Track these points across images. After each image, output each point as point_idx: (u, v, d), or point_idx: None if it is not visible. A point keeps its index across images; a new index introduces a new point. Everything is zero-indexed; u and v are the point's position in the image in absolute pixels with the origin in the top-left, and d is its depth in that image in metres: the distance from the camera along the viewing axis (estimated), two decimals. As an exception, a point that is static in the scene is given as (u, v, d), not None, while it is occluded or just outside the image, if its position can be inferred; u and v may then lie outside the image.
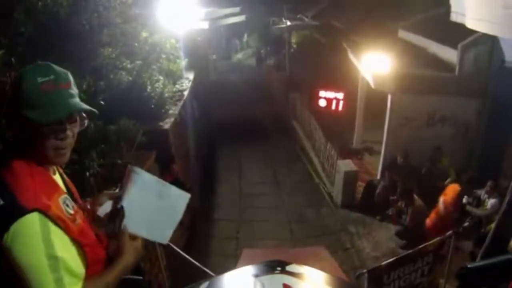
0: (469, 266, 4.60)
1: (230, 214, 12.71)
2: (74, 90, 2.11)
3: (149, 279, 6.69)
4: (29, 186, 1.94)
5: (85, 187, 5.25)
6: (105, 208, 2.46)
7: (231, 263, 7.41)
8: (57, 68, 2.07)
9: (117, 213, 2.35)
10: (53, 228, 1.92)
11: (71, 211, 2.09)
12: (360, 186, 12.55)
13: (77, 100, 2.09)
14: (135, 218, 2.38)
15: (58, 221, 1.95)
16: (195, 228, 11.16)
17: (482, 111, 11.45)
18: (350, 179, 12.29)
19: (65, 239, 1.99)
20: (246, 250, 7.28)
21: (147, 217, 2.45)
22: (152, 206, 2.48)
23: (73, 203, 2.15)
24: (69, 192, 2.30)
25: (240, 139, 18.31)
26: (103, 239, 2.35)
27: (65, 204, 2.07)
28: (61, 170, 2.38)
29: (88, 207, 2.50)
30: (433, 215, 9.74)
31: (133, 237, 2.33)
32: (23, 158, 2.01)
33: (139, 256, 2.33)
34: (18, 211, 1.84)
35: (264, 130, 19.44)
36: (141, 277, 3.11)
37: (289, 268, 2.35)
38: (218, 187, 14.71)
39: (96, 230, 2.31)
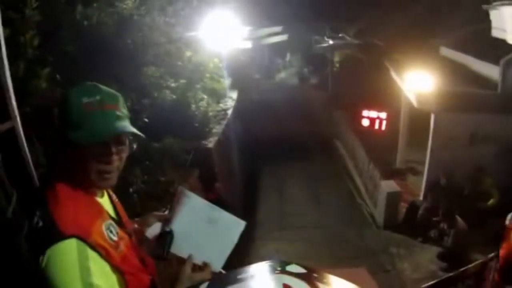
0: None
1: (270, 233, 12.66)
2: (123, 112, 2.04)
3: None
4: (69, 211, 1.88)
5: (128, 203, 5.33)
6: (154, 229, 2.43)
7: None
8: (104, 88, 2.03)
9: (166, 236, 2.34)
10: (91, 255, 1.84)
11: (115, 238, 2.03)
12: (403, 207, 12.39)
13: (125, 122, 2.02)
14: (184, 242, 2.36)
15: (99, 248, 1.88)
16: (235, 247, 11.16)
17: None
18: (393, 200, 12.18)
19: (105, 266, 1.91)
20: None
21: (196, 242, 2.41)
22: (203, 231, 2.45)
23: (117, 229, 2.09)
24: (118, 216, 2.27)
25: (283, 158, 18.22)
26: (148, 264, 2.32)
27: (108, 230, 2.00)
28: (111, 193, 2.35)
29: (136, 226, 2.48)
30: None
31: (195, 269, 2.29)
32: (67, 180, 1.97)
33: None
34: (56, 235, 1.78)
35: (307, 149, 19.27)
36: None
37: (289, 268, 2.31)
38: (259, 206, 14.68)
39: (141, 254, 2.28)
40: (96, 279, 1.81)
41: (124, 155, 2.08)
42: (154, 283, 2.29)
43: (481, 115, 11.20)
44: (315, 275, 2.31)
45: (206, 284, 2.11)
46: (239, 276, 2.24)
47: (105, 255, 1.90)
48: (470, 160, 11.27)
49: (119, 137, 2.01)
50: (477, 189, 11.06)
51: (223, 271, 2.66)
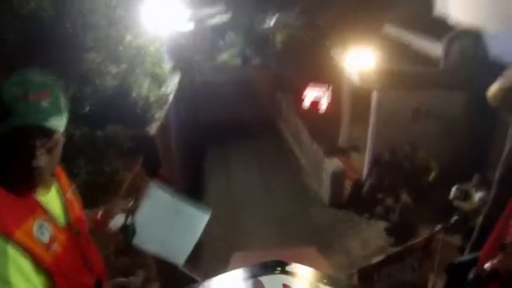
0: (457, 261, 4.64)
1: (219, 216, 12.59)
2: (52, 102, 1.90)
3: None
4: None
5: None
6: (117, 221, 2.38)
7: (221, 267, 7.39)
8: (34, 77, 1.92)
9: (128, 229, 2.31)
10: (11, 252, 1.78)
11: (46, 238, 1.94)
12: (348, 184, 12.58)
13: (47, 114, 1.87)
14: (148, 234, 2.34)
15: (22, 248, 1.81)
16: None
17: (467, 104, 11.41)
18: (337, 178, 12.37)
19: (26, 266, 1.83)
20: (237, 253, 7.27)
21: (161, 235, 2.40)
22: (168, 223, 2.44)
23: (51, 229, 1.99)
24: (65, 213, 2.15)
25: (228, 141, 18.28)
26: (96, 265, 2.25)
27: (39, 232, 1.92)
28: (64, 188, 2.24)
29: (99, 217, 2.43)
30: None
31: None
32: (0, 177, 1.87)
33: None
34: None
35: (251, 131, 19.32)
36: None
37: (289, 268, 2.33)
38: (206, 189, 14.71)
39: (88, 254, 2.21)
40: (12, 277, 1.76)
41: (56, 149, 1.96)
42: (100, 285, 2.22)
43: (423, 92, 11.43)
44: (315, 275, 2.33)
45: (206, 284, 2.10)
46: (239, 276, 2.24)
47: (30, 255, 1.84)
48: (412, 136, 11.45)
49: (44, 130, 1.87)
50: (416, 164, 11.28)
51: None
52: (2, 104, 1.81)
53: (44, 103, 1.87)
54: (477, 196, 9.39)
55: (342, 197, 12.54)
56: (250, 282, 2.19)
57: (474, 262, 4.85)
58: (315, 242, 9.23)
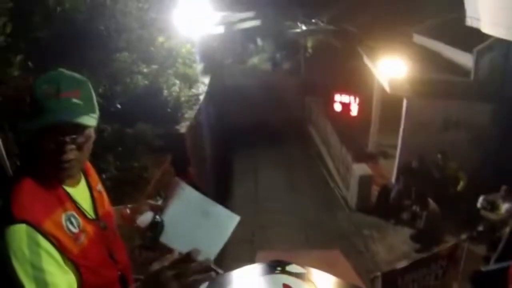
0: (482, 269, 4.62)
1: (245, 218, 12.54)
2: (83, 100, 1.94)
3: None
4: (26, 198, 1.86)
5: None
6: (145, 218, 2.35)
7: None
8: (66, 75, 1.97)
9: (156, 226, 2.29)
10: (42, 242, 1.81)
11: (75, 230, 1.97)
12: (375, 190, 12.54)
13: (79, 111, 1.90)
14: (175, 233, 2.30)
15: (51, 238, 1.83)
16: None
17: (497, 115, 11.37)
18: (365, 182, 12.33)
19: (56, 256, 1.84)
20: (261, 252, 7.26)
21: (189, 235, 2.34)
22: (196, 223, 2.39)
23: (80, 221, 2.02)
24: (94, 206, 2.20)
25: (256, 144, 18.28)
26: (120, 259, 2.27)
27: (68, 221, 1.95)
28: (94, 181, 2.30)
29: (128, 213, 2.45)
30: None
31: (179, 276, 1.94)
32: (32, 171, 1.94)
33: None
34: (8, 218, 1.79)
35: (280, 135, 19.38)
36: None
37: (289, 268, 2.32)
38: (233, 191, 14.75)
39: (114, 248, 2.24)
40: (47, 265, 1.79)
41: (86, 145, 2.00)
42: (125, 279, 2.24)
43: (453, 102, 11.35)
44: (314, 275, 2.35)
45: (206, 284, 2.11)
46: (239, 276, 2.26)
47: (59, 246, 1.86)
48: (441, 145, 11.43)
49: (74, 127, 1.91)
50: (445, 174, 11.22)
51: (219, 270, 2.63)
52: (34, 102, 1.87)
53: (75, 100, 1.90)
54: (504, 207, 9.31)
55: (369, 202, 12.49)
56: (250, 282, 2.22)
57: (499, 272, 4.83)
58: (340, 246, 9.22)
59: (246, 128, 19.52)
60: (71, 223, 1.96)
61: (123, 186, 5.91)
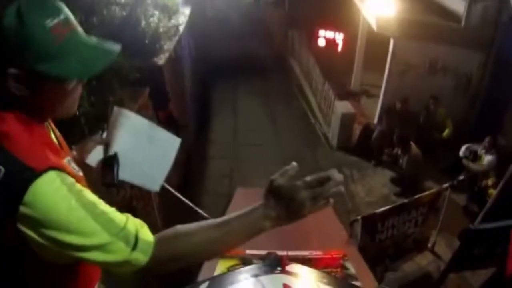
0: (471, 228, 4.53)
1: (224, 151, 12.71)
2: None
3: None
4: (32, 145, 1.55)
5: (76, 127, 5.07)
6: (95, 155, 2.25)
7: (224, 202, 7.37)
8: (57, 1, 1.58)
9: (112, 161, 2.18)
10: (75, 183, 1.56)
11: (80, 172, 1.81)
12: (357, 129, 12.45)
13: (102, 40, 1.74)
14: (127, 165, 2.22)
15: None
16: (190, 166, 11.13)
17: (486, 64, 11.23)
18: (347, 121, 12.18)
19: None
20: (240, 189, 7.17)
21: (139, 163, 2.31)
22: (143, 151, 2.35)
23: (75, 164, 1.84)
24: (60, 146, 1.93)
25: (237, 77, 18.07)
26: None
27: (72, 166, 1.75)
28: (52, 126, 1.95)
29: (75, 154, 2.22)
30: None
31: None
32: (15, 111, 1.58)
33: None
34: (30, 175, 1.44)
35: (262, 68, 19.18)
36: None
37: (289, 268, 2.30)
38: (213, 124, 14.65)
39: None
40: (91, 196, 1.58)
41: None
42: None
43: (442, 46, 11.19)
44: (315, 275, 2.30)
45: (206, 283, 2.07)
46: (239, 276, 2.20)
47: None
48: (427, 89, 11.28)
49: None
50: (431, 119, 11.14)
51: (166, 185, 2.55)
52: (32, 42, 1.49)
53: (81, 30, 1.70)
54: (486, 158, 9.25)
55: (350, 141, 12.41)
56: (250, 282, 2.15)
57: (487, 232, 4.75)
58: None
59: (227, 61, 19.16)
60: (74, 167, 1.80)
61: (98, 121, 5.70)
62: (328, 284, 2.20)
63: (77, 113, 5.19)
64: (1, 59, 1.48)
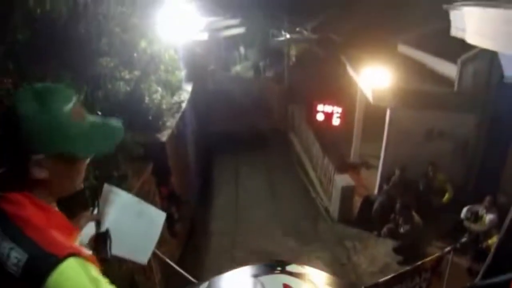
0: (471, 285, 4.54)
1: (226, 226, 12.64)
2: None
3: None
4: (50, 230, 1.61)
5: (80, 200, 5.14)
6: (87, 231, 2.30)
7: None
8: (69, 89, 1.76)
9: (104, 237, 2.24)
10: (93, 268, 1.63)
11: (89, 251, 1.86)
12: (358, 201, 12.44)
13: (108, 121, 1.89)
14: (118, 239, 2.28)
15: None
16: (191, 240, 11.10)
17: (481, 126, 11.37)
18: (347, 194, 12.23)
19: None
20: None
21: (129, 238, 2.40)
22: (133, 226, 2.44)
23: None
24: None
25: (238, 151, 18.24)
26: None
27: (83, 245, 1.86)
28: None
29: None
30: None
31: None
32: (33, 198, 1.67)
33: None
34: (50, 261, 1.50)
35: (262, 143, 19.40)
36: None
37: (289, 268, 2.37)
38: (215, 199, 14.64)
39: None
40: (107, 286, 1.64)
41: None
42: None
43: (437, 112, 11.33)
44: (315, 275, 2.31)
45: (206, 283, 2.12)
46: (239, 276, 2.22)
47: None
48: (425, 155, 11.39)
49: None
50: (431, 185, 11.21)
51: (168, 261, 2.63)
52: (55, 125, 1.63)
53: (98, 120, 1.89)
54: (488, 218, 9.28)
55: (351, 213, 12.40)
56: (250, 282, 2.19)
57: (494, 286, 4.76)
58: (322, 257, 9.10)
59: (229, 136, 19.44)
60: (83, 247, 1.81)
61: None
62: (328, 284, 2.30)
63: (82, 186, 5.28)
64: (21, 147, 1.59)
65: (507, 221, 5.55)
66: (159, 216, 2.62)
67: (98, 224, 2.30)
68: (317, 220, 13.09)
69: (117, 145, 5.59)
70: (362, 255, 10.71)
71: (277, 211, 13.67)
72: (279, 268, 2.31)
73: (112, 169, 6.34)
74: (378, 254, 10.58)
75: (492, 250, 5.99)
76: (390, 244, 10.68)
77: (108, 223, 2.32)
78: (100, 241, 2.25)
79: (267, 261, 9.19)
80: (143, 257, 2.55)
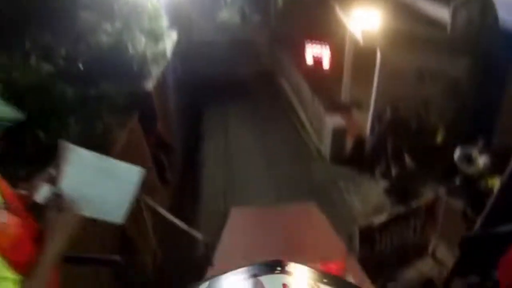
0: (470, 235, 4.51)
1: (216, 172, 12.62)
2: None
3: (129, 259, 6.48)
4: None
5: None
6: (43, 192, 2.20)
7: (219, 221, 7.33)
8: None
9: (56, 197, 2.15)
10: None
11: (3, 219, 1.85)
12: (350, 141, 12.42)
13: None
14: (81, 200, 2.19)
15: None
16: (182, 187, 11.08)
17: (473, 69, 11.16)
18: (339, 134, 12.25)
19: None
20: (235, 208, 7.17)
21: (93, 197, 2.28)
22: (97, 184, 2.30)
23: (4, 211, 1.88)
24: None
25: (227, 98, 18.15)
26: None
27: None
28: None
29: (23, 193, 2.27)
30: None
31: (62, 209, 2.05)
32: None
33: (72, 231, 2.06)
34: None
35: (251, 88, 19.26)
36: (117, 257, 2.97)
37: (289, 268, 2.22)
38: (204, 145, 14.63)
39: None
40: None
41: None
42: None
43: (429, 54, 11.08)
44: (315, 275, 2.23)
45: (206, 283, 2.01)
46: (238, 276, 2.15)
47: None
48: (417, 97, 11.26)
49: None
50: (423, 126, 11.09)
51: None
52: None
53: None
54: (481, 160, 9.19)
55: (343, 154, 12.40)
56: (250, 282, 2.09)
57: (487, 238, 4.73)
58: (315, 199, 9.07)
59: (216, 83, 19.33)
60: None
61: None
62: (329, 284, 2.13)
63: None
64: None
65: (510, 168, 5.48)
66: (132, 173, 2.43)
67: (53, 184, 2.18)
68: (309, 161, 13.11)
69: (100, 97, 5.51)
70: (355, 195, 10.73)
71: (268, 154, 13.65)
72: (279, 268, 2.23)
73: (97, 123, 6.20)
74: (372, 194, 10.61)
75: (493, 196, 5.95)
76: (382, 184, 10.69)
77: (64, 182, 2.19)
78: (52, 201, 2.15)
79: (260, 205, 9.22)
80: (117, 217, 2.40)
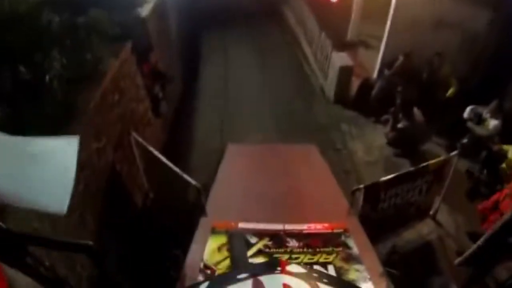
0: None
1: (214, 104, 12.30)
2: None
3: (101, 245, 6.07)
4: None
5: (47, 94, 4.54)
6: None
7: (214, 158, 7.10)
8: None
9: None
10: None
11: None
12: (355, 81, 11.93)
13: None
14: (7, 189, 1.85)
15: None
16: (178, 120, 10.84)
17: (494, 23, 10.66)
18: (345, 74, 11.75)
19: None
20: (231, 145, 6.90)
21: (25, 188, 1.92)
22: (26, 172, 1.96)
23: None
24: None
25: (228, 26, 17.70)
26: None
27: None
28: None
29: None
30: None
31: None
32: None
33: None
34: None
35: (254, 17, 18.86)
36: (89, 242, 2.63)
37: (289, 268, 2.32)
38: (201, 74, 14.28)
39: None
40: None
41: None
42: None
43: (448, 1, 10.54)
44: (315, 274, 2.35)
45: (206, 283, 2.16)
46: (239, 276, 2.24)
47: None
48: (431, 45, 10.65)
49: None
50: (435, 76, 10.58)
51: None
52: None
53: None
54: (492, 123, 8.83)
55: (348, 95, 11.96)
56: (250, 281, 2.17)
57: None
58: (316, 140, 8.70)
59: (217, 9, 18.83)
60: None
61: (75, 83, 5.20)
62: (328, 284, 2.25)
63: (47, 78, 4.65)
64: None
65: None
66: (68, 147, 2.06)
67: None
68: (311, 99, 12.69)
69: (89, 26, 5.00)
70: (358, 141, 10.37)
71: (269, 88, 13.29)
72: (279, 268, 2.32)
73: (85, 53, 5.66)
74: (375, 142, 10.24)
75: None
76: (388, 136, 10.26)
77: None
78: None
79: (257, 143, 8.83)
80: (59, 207, 2.00)
